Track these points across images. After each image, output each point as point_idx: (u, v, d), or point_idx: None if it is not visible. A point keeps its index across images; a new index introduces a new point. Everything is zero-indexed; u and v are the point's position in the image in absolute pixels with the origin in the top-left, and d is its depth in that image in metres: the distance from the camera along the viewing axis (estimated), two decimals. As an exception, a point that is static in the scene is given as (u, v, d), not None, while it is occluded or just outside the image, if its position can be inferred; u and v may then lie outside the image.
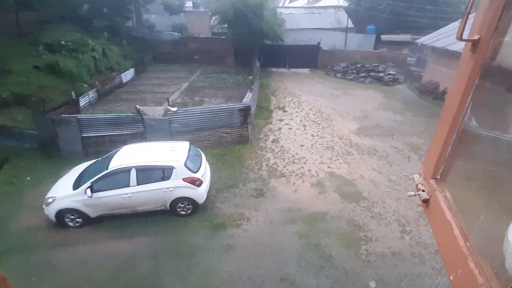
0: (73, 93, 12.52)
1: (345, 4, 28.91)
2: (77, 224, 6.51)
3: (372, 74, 19.62)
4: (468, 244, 0.86)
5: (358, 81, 19.47)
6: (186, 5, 31.61)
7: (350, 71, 20.41)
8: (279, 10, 26.10)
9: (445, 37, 15.62)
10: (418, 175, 1.33)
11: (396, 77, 19.30)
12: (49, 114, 9.62)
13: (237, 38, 19.53)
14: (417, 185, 1.28)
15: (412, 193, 1.29)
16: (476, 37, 0.96)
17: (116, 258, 5.74)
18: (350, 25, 25.75)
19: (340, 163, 9.36)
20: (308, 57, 22.03)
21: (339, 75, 20.46)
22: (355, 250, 5.98)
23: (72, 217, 6.43)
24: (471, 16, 0.98)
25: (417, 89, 17.35)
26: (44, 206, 6.37)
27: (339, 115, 13.41)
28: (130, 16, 22.88)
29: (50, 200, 6.32)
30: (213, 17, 22.19)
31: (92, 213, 6.48)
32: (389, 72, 19.56)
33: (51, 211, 6.30)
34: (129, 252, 5.91)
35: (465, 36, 0.97)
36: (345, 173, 8.77)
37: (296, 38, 23.15)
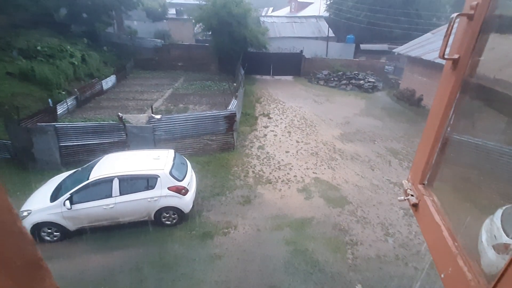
0: (50, 100, 12.03)
1: (326, 14, 29.95)
2: (55, 238, 6.17)
3: (353, 81, 20.32)
4: (456, 243, 0.92)
5: (340, 88, 20.08)
6: (169, 12, 31.48)
7: (332, 79, 21.03)
8: (262, 19, 26.62)
9: (420, 47, 16.53)
10: (406, 181, 1.40)
11: (375, 84, 20.10)
12: (23, 122, 9.15)
13: (220, 46, 19.64)
14: (405, 190, 1.35)
15: (402, 198, 1.36)
16: (456, 56, 1.06)
17: (96, 273, 5.48)
18: (331, 34, 26.67)
19: (325, 168, 9.54)
20: (291, 65, 22.51)
21: (321, 82, 21.02)
22: (341, 254, 6.07)
23: (49, 231, 6.09)
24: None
25: (395, 96, 18.15)
26: (17, 220, 5.98)
27: (322, 121, 13.72)
28: (111, 22, 22.42)
29: (25, 213, 5.95)
30: (196, 25, 22.23)
31: (71, 226, 6.17)
32: (369, 80, 20.35)
33: (26, 225, 5.89)
34: (111, 266, 5.66)
35: (446, 55, 1.07)
36: (330, 178, 8.94)
37: (279, 46, 23.64)
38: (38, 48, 14.78)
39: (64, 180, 6.78)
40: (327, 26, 27.05)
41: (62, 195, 6.04)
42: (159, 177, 6.33)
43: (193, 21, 21.84)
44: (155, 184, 6.32)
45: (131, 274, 5.49)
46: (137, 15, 27.19)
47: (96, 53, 18.46)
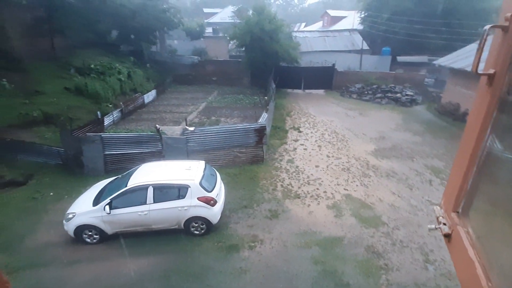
0: (98, 112, 13.24)
1: (360, 27, 29.45)
2: (94, 241, 6.62)
3: (389, 94, 19.45)
4: (490, 284, 0.82)
5: (374, 101, 19.32)
6: (207, 31, 33.40)
7: (366, 92, 20.35)
8: (294, 34, 26.96)
9: (464, 58, 15.40)
10: (438, 207, 1.28)
11: (414, 97, 19.01)
12: (75, 132, 10.17)
13: (253, 61, 20.21)
14: (437, 218, 1.23)
15: (433, 226, 1.24)
16: (491, 71, 0.97)
17: (128, 277, 5.74)
18: (365, 47, 26.07)
19: (357, 185, 9.12)
20: (323, 79, 22.30)
21: (354, 96, 20.44)
22: (374, 279, 5.65)
23: (90, 233, 6.57)
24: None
25: (436, 110, 16.95)
26: (64, 221, 6.57)
27: (355, 136, 13.24)
28: (155, 41, 24.38)
29: (70, 215, 6.52)
30: (231, 42, 23.23)
31: (109, 230, 6.60)
32: (407, 93, 19.33)
33: (70, 226, 6.48)
34: (142, 271, 5.90)
35: (480, 70, 0.99)
36: (363, 196, 8.50)
37: (311, 60, 23.65)
38: (92, 66, 16.54)
39: (105, 186, 7.33)
40: (361, 39, 26.53)
41: (103, 200, 6.52)
42: (190, 187, 6.56)
43: (228, 38, 22.87)
44: (186, 193, 6.55)
45: (159, 281, 5.66)
46: (177, 35, 29.26)
47: (140, 70, 20.11)
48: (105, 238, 6.65)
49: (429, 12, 23.82)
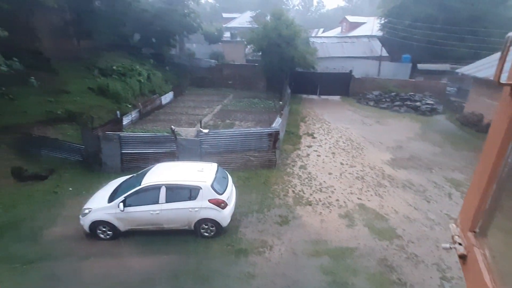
0: (118, 112, 13.70)
1: (379, 33, 28.93)
2: (108, 237, 6.80)
3: (408, 103, 18.90)
4: None
5: (392, 109, 18.82)
6: (225, 35, 33.97)
7: (384, 99, 19.88)
8: (311, 40, 26.87)
9: (490, 67, 14.73)
10: (454, 225, 1.20)
11: (434, 106, 18.37)
12: (95, 130, 10.56)
13: (269, 65, 20.27)
14: (453, 237, 1.15)
15: (448, 245, 1.15)
16: None
17: (138, 275, 5.84)
18: (384, 53, 25.55)
19: (371, 195, 8.87)
20: (339, 85, 22.01)
21: (371, 103, 20.01)
22: (386, 293, 5.45)
23: (104, 229, 6.76)
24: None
25: (458, 120, 16.27)
26: (80, 216, 6.80)
27: (370, 144, 12.93)
28: (175, 45, 25.03)
29: (86, 211, 6.74)
30: (248, 46, 23.45)
31: (122, 227, 6.76)
32: (427, 102, 18.71)
33: (86, 221, 6.70)
34: (152, 269, 5.99)
35: (503, 80, 0.93)
36: (377, 206, 8.25)
37: (327, 66, 23.43)
38: (114, 67, 17.19)
39: (121, 183, 7.54)
40: (380, 45, 26.04)
41: (118, 197, 6.70)
42: (201, 188, 6.62)
43: (245, 42, 23.10)
44: (197, 195, 6.61)
45: (168, 281, 5.72)
46: (196, 39, 29.93)
47: (159, 72, 20.67)
48: (118, 234, 6.81)
49: (453, 19, 23.08)
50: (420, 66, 24.27)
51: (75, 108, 13.15)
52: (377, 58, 24.87)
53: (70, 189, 9.07)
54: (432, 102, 18.67)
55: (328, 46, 27.81)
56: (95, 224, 6.70)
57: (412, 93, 19.88)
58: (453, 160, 11.46)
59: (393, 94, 20.00)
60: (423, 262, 6.23)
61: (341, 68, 22.75)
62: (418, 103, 18.66)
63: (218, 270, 5.96)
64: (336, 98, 21.97)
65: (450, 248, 1.12)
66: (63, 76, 14.24)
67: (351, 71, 21.87)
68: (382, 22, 28.27)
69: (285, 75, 20.03)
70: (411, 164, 11.03)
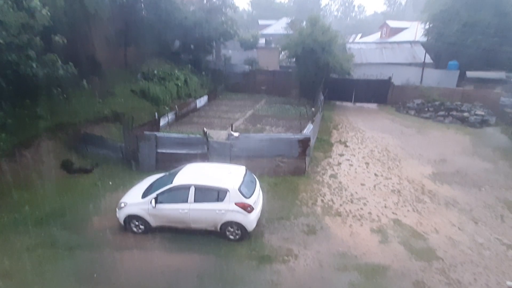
0: (156, 114, 14.51)
1: (423, 39, 27.15)
2: (140, 231, 7.15)
3: (454, 113, 17.38)
4: None
5: (436, 120, 17.44)
6: (260, 42, 34.50)
7: (426, 109, 18.51)
8: (348, 46, 26.11)
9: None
10: None
11: (485, 118, 16.65)
12: (135, 130, 11.27)
13: (303, 72, 20.05)
14: None
15: None
16: None
17: (165, 271, 6.02)
18: (428, 60, 23.87)
19: (408, 210, 8.22)
20: (377, 92, 20.98)
21: (412, 112, 18.75)
22: (422, 320, 4.95)
23: (136, 223, 7.12)
24: None
25: (516, 135, 14.52)
26: (117, 209, 7.26)
27: (409, 156, 12.06)
28: (211, 51, 26.01)
29: (122, 205, 7.17)
30: (282, 52, 23.50)
31: (153, 223, 7.06)
32: (476, 112, 17.02)
33: (121, 215, 7.12)
34: (178, 267, 6.13)
35: None
36: (414, 224, 7.62)
37: (364, 73, 22.51)
38: (155, 72, 18.32)
39: (154, 181, 7.90)
40: (424, 51, 24.39)
41: (151, 194, 7.03)
42: (229, 191, 6.67)
43: (280, 49, 23.15)
44: (224, 197, 6.68)
45: (192, 280, 5.81)
46: (232, 45, 30.78)
47: (196, 77, 21.58)
48: (149, 230, 7.12)
49: (508, 24, 20.86)
50: (469, 73, 22.22)
51: (119, 109, 14.21)
52: (420, 65, 23.31)
53: (110, 183, 9.74)
54: (482, 113, 16.94)
55: (366, 52, 26.79)
56: (129, 218, 7.08)
57: (459, 103, 18.26)
58: (508, 179, 10.21)
59: (437, 103, 18.55)
60: (467, 290, 5.57)
61: (379, 75, 21.71)
62: (466, 114, 17.07)
63: (242, 275, 5.92)
64: (373, 106, 20.97)
65: None
66: (110, 80, 15.51)
67: (390, 77, 20.75)
68: (427, 27, 26.50)
69: (319, 81, 19.64)
70: (456, 180, 10.05)
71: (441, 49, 24.62)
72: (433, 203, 8.61)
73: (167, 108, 16.64)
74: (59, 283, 5.67)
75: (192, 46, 23.51)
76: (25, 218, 7.66)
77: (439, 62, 24.73)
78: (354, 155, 12.04)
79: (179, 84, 18.85)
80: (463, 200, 8.79)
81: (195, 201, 6.77)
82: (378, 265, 6.20)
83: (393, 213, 8.08)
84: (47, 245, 6.72)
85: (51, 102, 11.17)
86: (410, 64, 24.47)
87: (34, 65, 8.93)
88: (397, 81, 20.91)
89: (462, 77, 22.37)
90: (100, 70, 14.88)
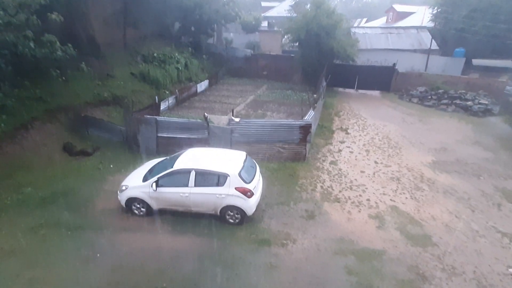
0: (156, 97, 14.38)
1: (430, 24, 26.40)
2: (141, 213, 7.27)
3: (457, 101, 17.18)
4: None
5: (439, 108, 17.27)
6: (262, 25, 33.59)
7: (430, 97, 18.29)
8: (353, 30, 25.49)
9: None
10: None
11: (489, 107, 16.48)
12: (135, 114, 11.21)
13: (306, 56, 19.67)
14: None
15: None
16: None
17: (167, 252, 6.17)
18: (434, 46, 23.34)
19: (406, 197, 8.31)
20: (380, 79, 20.66)
21: (415, 100, 18.54)
22: (415, 303, 5.12)
23: (138, 206, 7.22)
24: None
25: (518, 124, 14.43)
26: (118, 192, 7.35)
27: (410, 144, 12.05)
28: (212, 34, 25.39)
29: (123, 188, 7.26)
30: (285, 36, 22.95)
31: (154, 206, 7.17)
32: (480, 101, 16.83)
33: (123, 197, 7.21)
34: (179, 249, 6.28)
35: None
36: (412, 211, 7.72)
37: (368, 59, 22.11)
38: (155, 54, 17.98)
39: (155, 165, 7.95)
40: (430, 37, 23.80)
41: (151, 177, 7.09)
42: (229, 176, 6.72)
43: (282, 32, 22.60)
44: (225, 182, 6.73)
45: (193, 262, 5.95)
46: (234, 28, 30.04)
47: (196, 60, 21.19)
48: (150, 212, 7.24)
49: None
50: (475, 61, 21.79)
51: (119, 92, 14.07)
52: (425, 51, 22.84)
53: (111, 166, 9.81)
54: (486, 102, 16.75)
55: (371, 37, 26.16)
56: (131, 201, 7.18)
57: (463, 91, 18.01)
58: (508, 168, 10.24)
59: (440, 91, 18.30)
60: (460, 276, 5.73)
61: (384, 61, 21.33)
62: (469, 103, 16.88)
63: (241, 257, 6.07)
64: (376, 93, 20.72)
65: None
66: (109, 62, 15.24)
67: (394, 64, 20.36)
68: (435, 11, 25.69)
69: (322, 67, 19.31)
70: (455, 169, 10.09)
71: (448, 35, 24.01)
72: (432, 191, 8.68)
73: (167, 92, 16.47)
74: (64, 262, 5.83)
75: (192, 28, 22.95)
76: (28, 199, 7.79)
77: (445, 49, 24.21)
78: (355, 142, 12.03)
79: (180, 68, 18.55)
80: (461, 188, 8.86)
81: (195, 185, 6.83)
82: (374, 250, 6.34)
83: (391, 200, 8.18)
84: (51, 225, 6.86)
85: (50, 84, 11.06)
86: (415, 51, 23.98)
87: (32, 45, 8.76)
88: (401, 68, 20.54)
89: (468, 65, 21.97)
90: (99, 52, 14.58)
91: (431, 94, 18.40)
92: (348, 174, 9.52)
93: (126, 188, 7.21)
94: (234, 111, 13.17)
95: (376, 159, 10.58)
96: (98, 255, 6.05)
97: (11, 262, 5.80)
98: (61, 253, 6.05)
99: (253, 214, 7.04)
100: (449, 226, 7.14)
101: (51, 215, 7.23)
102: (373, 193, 8.49)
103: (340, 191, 8.54)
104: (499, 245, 6.59)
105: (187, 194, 6.85)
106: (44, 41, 9.22)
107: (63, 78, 10.97)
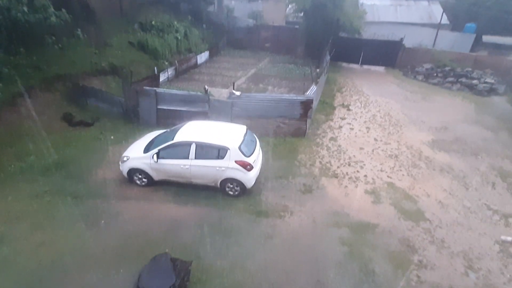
0: (155, 68, 14.03)
1: (443, -4, 25.07)
2: (143, 184, 7.43)
3: (463, 80, 16.85)
4: None
5: (443, 86, 16.98)
6: (265, -8, 31.77)
7: (435, 74, 17.89)
8: (361, 1, 24.20)
9: None
10: None
11: (494, 86, 16.20)
12: (134, 84, 11.01)
13: (311, 28, 18.91)
14: None
15: (510, 238, 0.98)
16: None
17: (168, 221, 6.40)
18: (445, 21, 22.35)
19: (403, 174, 8.46)
20: (385, 54, 20.06)
21: (420, 77, 18.16)
22: (404, 272, 5.42)
23: (140, 176, 7.36)
24: None
25: (522, 105, 14.28)
26: (120, 163, 7.45)
27: (411, 122, 12.01)
28: (213, 1, 24.12)
29: (125, 158, 7.34)
30: (289, 5, 21.85)
31: (155, 176, 7.31)
32: (486, 80, 16.50)
33: (124, 168, 7.33)
34: (180, 217, 6.51)
35: None
36: (407, 187, 7.90)
37: (375, 32, 21.24)
38: (153, 23, 17.22)
39: (155, 137, 7.97)
40: (441, 11, 22.69)
41: (152, 149, 7.15)
42: (229, 149, 6.77)
43: (287, 1, 21.48)
44: (225, 155, 6.81)
45: (193, 229, 6.21)
46: (235, -5, 28.47)
47: (196, 30, 20.36)
48: (152, 183, 7.39)
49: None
50: (485, 38, 21.02)
51: (117, 62, 13.68)
52: (435, 26, 21.89)
53: (112, 137, 9.83)
54: (492, 81, 16.43)
55: (379, 9, 24.97)
56: (132, 171, 7.31)
57: (469, 69, 17.58)
58: (506, 148, 10.32)
59: (447, 69, 17.86)
60: (449, 248, 6.01)
61: (391, 35, 20.51)
62: (475, 81, 16.56)
63: (240, 227, 6.32)
64: (380, 69, 20.23)
65: None
66: (106, 30, 14.64)
67: (402, 39, 19.64)
68: (449, -18, 24.26)
69: (327, 40, 18.62)
70: (454, 148, 10.16)
71: (460, 9, 22.91)
72: (428, 169, 8.81)
73: (166, 63, 16.04)
74: (70, 227, 6.07)
75: (192, -5, 21.76)
76: (31, 167, 7.91)
77: (456, 23, 23.21)
78: (356, 119, 11.98)
79: (179, 37, 17.87)
80: (458, 167, 8.99)
81: (196, 157, 6.91)
82: (368, 223, 6.58)
83: (388, 176, 8.33)
84: (55, 192, 7.04)
85: (46, 51, 10.72)
86: (424, 25, 23.01)
87: (25, 9, 8.38)
88: (408, 43, 19.84)
89: (477, 42, 21.21)
90: (95, 18, 13.96)
91: (437, 72, 17.98)
92: (347, 150, 9.60)
93: (128, 159, 7.30)
94: (235, 85, 12.93)
95: (376, 137, 10.61)
96: (103, 221, 6.29)
97: (20, 226, 6.03)
98: (67, 219, 6.28)
99: (252, 187, 7.20)
100: (442, 203, 7.35)
101: (55, 183, 7.40)
102: (371, 169, 8.62)
103: (338, 167, 8.66)
104: (489, 221, 6.84)
105: (187, 166, 6.95)
106: (38, 6, 8.80)
107: (59, 45, 10.62)
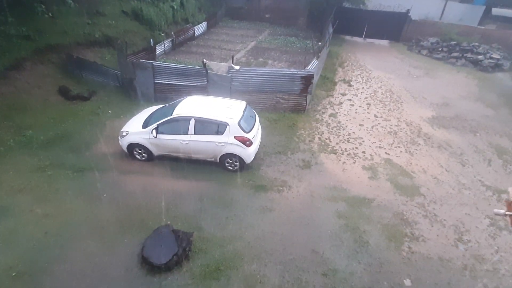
0: (151, 40, 13.51)
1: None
2: (143, 158, 7.48)
3: (468, 55, 16.38)
4: None
5: (448, 61, 16.55)
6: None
7: (440, 49, 17.36)
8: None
9: None
10: None
11: (499, 62, 15.80)
12: (130, 57, 10.65)
13: (314, -3, 17.95)
14: (510, 203, 1.01)
15: (502, 211, 1.03)
16: None
17: (169, 193, 6.54)
18: (455, -9, 21.23)
19: (401, 151, 8.53)
20: (390, 27, 19.28)
21: (424, 52, 17.63)
22: (396, 244, 5.67)
23: (139, 151, 7.40)
24: None
25: (526, 82, 14.04)
26: (119, 137, 7.43)
27: (412, 98, 11.88)
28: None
29: (124, 133, 7.32)
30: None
31: (155, 151, 7.34)
32: (492, 56, 16.06)
33: (124, 143, 7.33)
34: (181, 191, 6.65)
35: None
36: (404, 163, 8.01)
37: (381, 3, 20.22)
38: (150, -11, 16.25)
39: (154, 112, 7.88)
40: (453, -20, 21.44)
41: (151, 124, 7.10)
42: (228, 125, 6.74)
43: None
44: (224, 131, 6.79)
45: (193, 202, 6.37)
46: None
47: (192, -2, 19.30)
48: (152, 158, 7.45)
49: None
50: (495, 10, 20.09)
51: (111, 32, 13.14)
52: (444, -4, 20.82)
53: (110, 112, 9.73)
54: (498, 57, 15.99)
55: (386, -23, 23.45)
56: (132, 146, 7.32)
57: (476, 44, 17.03)
58: (505, 126, 10.32)
59: (453, 43, 17.28)
60: (441, 222, 6.23)
61: (397, 6, 19.54)
62: (480, 57, 16.11)
63: (239, 200, 6.48)
64: (384, 42, 19.58)
65: (505, 215, 1.00)
66: (98, -2, 13.88)
67: (408, 10, 18.77)
68: None
69: (330, 11, 17.76)
70: (453, 124, 10.15)
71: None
72: (427, 145, 8.87)
73: (162, 35, 15.42)
74: (73, 199, 6.20)
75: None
76: (31, 141, 7.90)
77: (466, -6, 22.03)
78: (357, 95, 11.82)
79: (175, 6, 17.00)
80: (456, 144, 9.05)
81: (195, 133, 6.89)
82: (364, 197, 6.76)
83: (386, 153, 8.40)
84: (56, 166, 7.11)
85: (36, 21, 10.25)
86: (433, -5, 21.82)
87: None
88: (414, 15, 18.98)
89: (486, 15, 20.31)
90: (85, -17, 13.16)
91: (442, 46, 17.43)
92: (346, 127, 9.58)
93: (127, 134, 7.28)
94: (234, 58, 12.56)
95: (376, 113, 10.54)
96: (105, 194, 6.41)
97: (23, 199, 6.16)
98: (69, 191, 6.40)
99: (252, 162, 7.28)
100: (438, 179, 7.50)
101: (55, 157, 7.44)
102: (369, 146, 8.67)
103: (337, 143, 8.70)
104: (482, 197, 7.03)
105: (187, 142, 6.96)
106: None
107: (50, 14, 10.13)
